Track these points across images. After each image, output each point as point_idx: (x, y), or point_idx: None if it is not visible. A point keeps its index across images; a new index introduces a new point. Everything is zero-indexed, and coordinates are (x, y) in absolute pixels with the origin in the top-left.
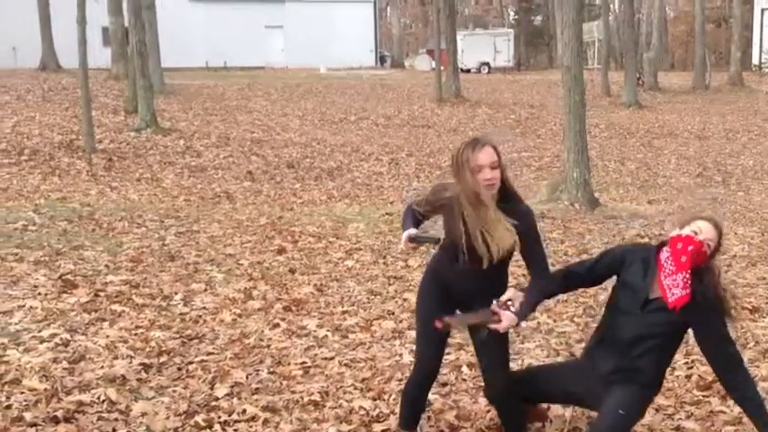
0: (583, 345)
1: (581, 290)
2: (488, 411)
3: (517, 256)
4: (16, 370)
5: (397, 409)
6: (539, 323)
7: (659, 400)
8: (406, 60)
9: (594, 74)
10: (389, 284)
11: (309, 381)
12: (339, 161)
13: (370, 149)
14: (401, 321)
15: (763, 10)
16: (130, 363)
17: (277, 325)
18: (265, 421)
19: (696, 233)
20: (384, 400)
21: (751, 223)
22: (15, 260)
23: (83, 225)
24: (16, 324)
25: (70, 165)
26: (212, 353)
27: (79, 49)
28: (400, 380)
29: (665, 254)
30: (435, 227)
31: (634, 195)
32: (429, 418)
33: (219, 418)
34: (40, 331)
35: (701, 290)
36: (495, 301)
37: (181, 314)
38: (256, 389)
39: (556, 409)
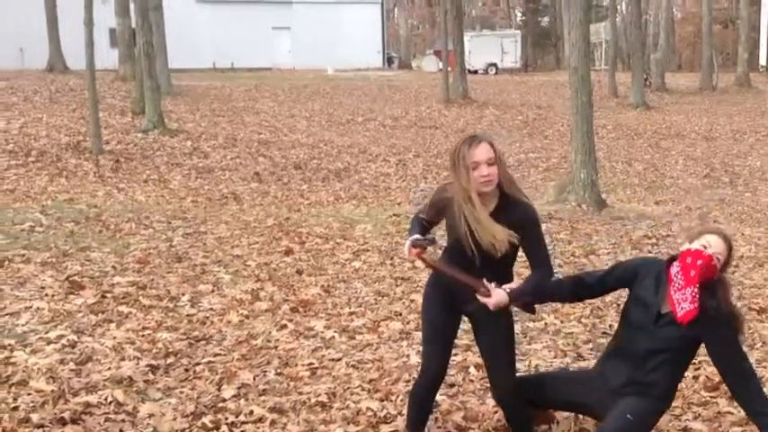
0: (590, 346)
1: None
2: (496, 412)
3: (523, 257)
4: (23, 371)
5: (405, 410)
6: (546, 324)
7: None
8: (413, 61)
9: (602, 75)
10: (397, 285)
11: (317, 382)
12: (346, 162)
13: (377, 150)
14: (408, 322)
15: None
16: (137, 364)
17: (284, 326)
18: (272, 422)
19: (705, 247)
20: (391, 401)
21: (758, 224)
22: (22, 261)
23: (90, 226)
24: (23, 325)
25: (77, 166)
26: (219, 354)
27: (86, 51)
28: (407, 381)
29: (675, 268)
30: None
31: (641, 196)
32: (436, 419)
33: (227, 419)
34: (46, 332)
35: (713, 304)
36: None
37: (188, 315)
38: (263, 390)
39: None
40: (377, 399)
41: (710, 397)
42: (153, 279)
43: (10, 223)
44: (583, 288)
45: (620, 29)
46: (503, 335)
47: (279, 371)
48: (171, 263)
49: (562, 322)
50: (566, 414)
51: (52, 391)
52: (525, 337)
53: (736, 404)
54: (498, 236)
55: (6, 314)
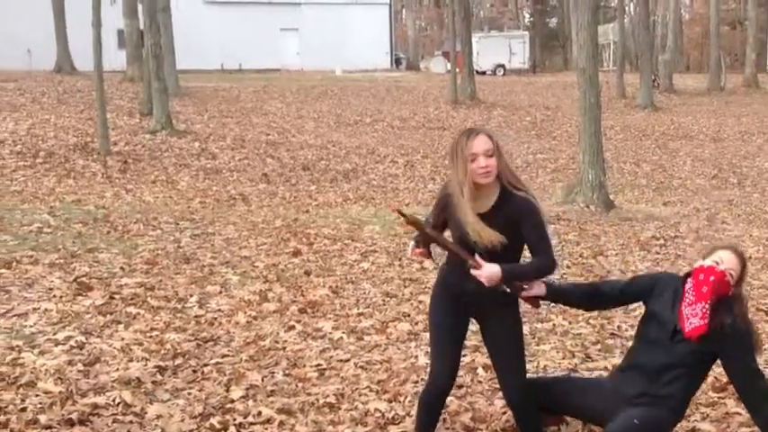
0: (598, 347)
1: None
2: (504, 413)
3: (528, 254)
4: (31, 372)
5: (413, 411)
6: (554, 325)
7: None
8: (421, 62)
9: (610, 76)
10: (405, 287)
11: (325, 383)
12: (354, 163)
13: (385, 151)
14: (417, 323)
15: None
16: (145, 365)
17: (292, 327)
18: (281, 423)
19: (718, 263)
20: (400, 402)
21: (766, 225)
22: (30, 262)
23: (98, 227)
24: (31, 327)
25: (85, 167)
26: (227, 355)
27: (94, 52)
28: (416, 382)
29: (689, 284)
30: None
31: (649, 197)
32: (444, 420)
33: (235, 420)
34: (54, 334)
35: (728, 320)
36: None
37: (196, 316)
38: (272, 391)
39: None
40: (385, 400)
41: (719, 398)
42: (161, 280)
43: (18, 224)
44: (599, 297)
45: (628, 30)
46: (511, 336)
47: (287, 372)
48: (179, 264)
49: (570, 323)
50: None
51: (60, 392)
52: (533, 338)
53: (743, 405)
54: (484, 236)
55: (14, 315)
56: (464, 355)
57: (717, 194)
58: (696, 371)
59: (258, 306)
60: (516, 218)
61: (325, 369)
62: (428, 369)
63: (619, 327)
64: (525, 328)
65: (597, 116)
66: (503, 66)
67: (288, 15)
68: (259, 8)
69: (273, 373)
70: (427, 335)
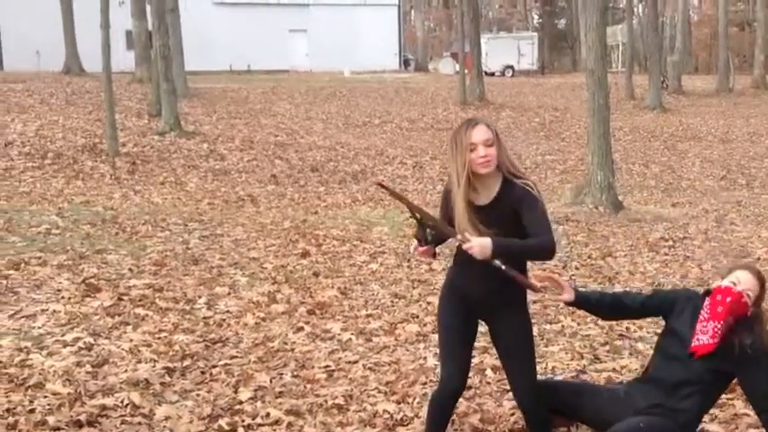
0: (607, 348)
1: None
2: (512, 415)
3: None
4: (39, 374)
5: (421, 413)
6: (563, 326)
7: None
8: (430, 64)
9: (618, 77)
10: (413, 288)
11: (333, 384)
12: (363, 164)
13: (394, 153)
14: (425, 325)
15: None
16: (154, 366)
17: (301, 328)
18: (289, 425)
19: (735, 284)
20: (408, 403)
21: None
22: (39, 264)
23: (106, 229)
24: (40, 328)
25: (93, 168)
26: (236, 356)
27: (103, 53)
28: (424, 383)
29: (706, 301)
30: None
31: (658, 198)
32: (453, 421)
33: (243, 421)
34: (63, 335)
35: (747, 341)
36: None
37: (204, 318)
38: (280, 392)
39: None
40: (393, 401)
41: (727, 399)
42: (169, 281)
43: (26, 225)
44: (620, 308)
45: (637, 31)
46: (520, 336)
47: (295, 373)
48: (187, 265)
49: (579, 325)
50: None
51: (69, 393)
52: (542, 339)
53: (762, 426)
54: (462, 226)
55: (23, 317)
56: (473, 357)
57: (725, 196)
58: (712, 388)
59: (267, 307)
60: (517, 204)
61: (333, 370)
62: (437, 371)
63: (627, 328)
64: (534, 330)
65: (606, 117)
66: (511, 67)
67: (296, 16)
68: (268, 9)
69: (282, 374)
70: (436, 336)
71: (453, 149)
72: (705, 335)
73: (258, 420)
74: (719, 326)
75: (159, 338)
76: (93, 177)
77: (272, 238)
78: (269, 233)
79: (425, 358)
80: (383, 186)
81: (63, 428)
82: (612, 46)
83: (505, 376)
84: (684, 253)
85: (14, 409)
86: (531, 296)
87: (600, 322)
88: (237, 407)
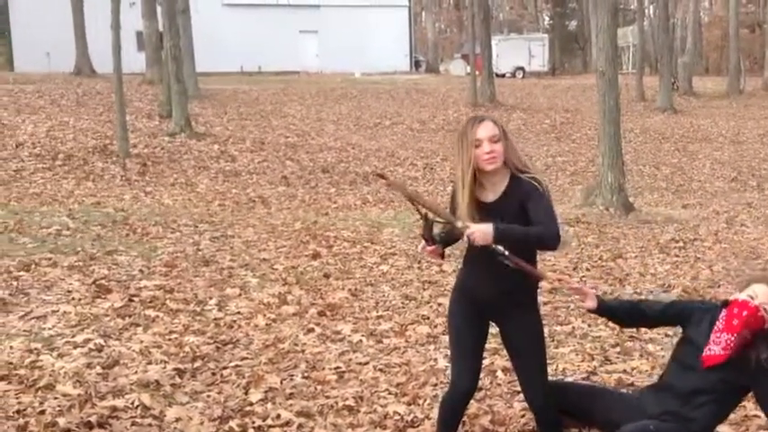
0: (617, 349)
1: (616, 294)
2: (523, 416)
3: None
4: (50, 375)
5: (432, 414)
6: (573, 328)
7: None
8: (440, 65)
9: (629, 78)
10: (424, 289)
11: (344, 386)
12: (374, 166)
13: (404, 154)
14: (436, 326)
15: None
16: (164, 368)
17: (311, 330)
18: (300, 426)
19: (752, 297)
20: (419, 404)
21: None
22: (49, 265)
23: (117, 230)
24: (50, 329)
25: (104, 169)
26: (246, 358)
27: (113, 54)
28: (435, 385)
29: (723, 313)
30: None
31: (669, 200)
32: (464, 422)
33: (254, 423)
34: (73, 336)
35: (765, 355)
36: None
37: (215, 319)
38: (291, 394)
39: None
40: (404, 402)
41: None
42: (180, 283)
43: (37, 227)
44: (639, 317)
45: (648, 33)
46: (531, 337)
47: (306, 374)
48: (198, 266)
49: (589, 326)
50: None
51: (79, 395)
52: (552, 340)
53: None
54: (465, 226)
55: (33, 318)
56: (484, 358)
57: (736, 197)
58: (726, 399)
59: (277, 309)
60: (524, 201)
61: (344, 372)
62: (448, 372)
63: (638, 330)
64: (544, 331)
65: (617, 119)
66: (522, 68)
67: (307, 18)
68: (278, 10)
69: (292, 375)
70: (446, 337)
71: (459, 146)
72: (718, 346)
73: (269, 422)
74: (733, 338)
75: (170, 340)
76: (104, 178)
77: (282, 240)
78: (280, 234)
79: (436, 359)
80: (382, 177)
81: (73, 430)
82: (623, 47)
83: (516, 377)
84: (695, 254)
85: (25, 410)
86: (541, 297)
87: (610, 324)
88: (248, 408)
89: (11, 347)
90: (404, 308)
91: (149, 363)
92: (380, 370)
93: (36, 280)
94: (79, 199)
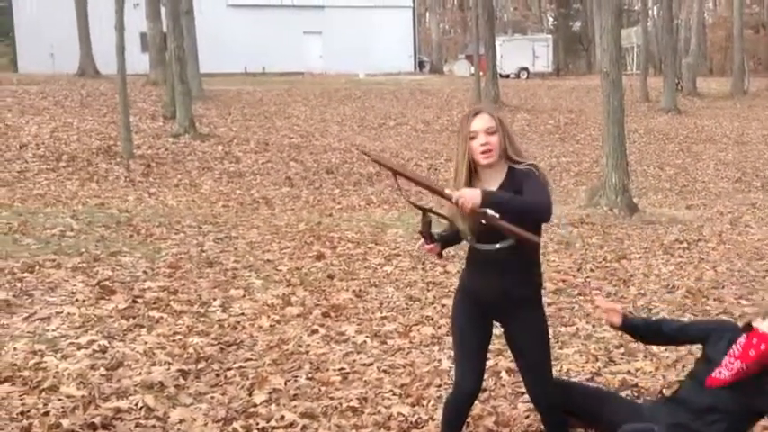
0: (622, 350)
1: (619, 295)
2: (527, 417)
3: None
4: (54, 377)
5: (436, 415)
6: (577, 329)
7: None
8: (444, 66)
9: (633, 79)
10: (428, 290)
11: (348, 387)
12: (378, 167)
13: (409, 155)
14: (440, 327)
15: None
16: (168, 369)
17: (315, 331)
18: (304, 427)
19: None
20: (423, 405)
21: None
22: (53, 266)
23: (121, 231)
24: (54, 330)
25: (108, 170)
26: (250, 359)
27: (117, 55)
28: (439, 386)
29: (742, 338)
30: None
31: (673, 201)
32: (468, 423)
33: (258, 424)
34: (77, 338)
35: None
36: None
37: (219, 320)
38: (295, 395)
39: None
40: (408, 404)
41: None
42: (184, 284)
43: (41, 228)
44: (659, 335)
45: (652, 33)
46: (535, 336)
47: (310, 376)
48: (202, 268)
49: (593, 327)
50: None
51: (83, 396)
52: (557, 341)
53: None
54: (459, 219)
55: (37, 319)
56: (487, 359)
57: (740, 198)
58: (740, 419)
59: (281, 310)
60: (520, 187)
61: (348, 373)
62: (452, 373)
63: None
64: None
65: (621, 119)
66: (526, 69)
67: (311, 18)
68: (282, 11)
69: (296, 377)
70: (450, 338)
71: (457, 139)
72: (729, 371)
73: (273, 423)
74: (744, 367)
75: (174, 341)
76: (108, 180)
77: (286, 241)
78: (284, 236)
79: (440, 360)
80: (366, 154)
81: (77, 431)
82: (627, 48)
83: (521, 378)
84: (699, 255)
85: (28, 411)
86: (546, 298)
87: None
88: (252, 410)
89: (15, 349)
90: (408, 309)
91: (153, 364)
92: (384, 371)
93: (40, 281)
94: (83, 200)
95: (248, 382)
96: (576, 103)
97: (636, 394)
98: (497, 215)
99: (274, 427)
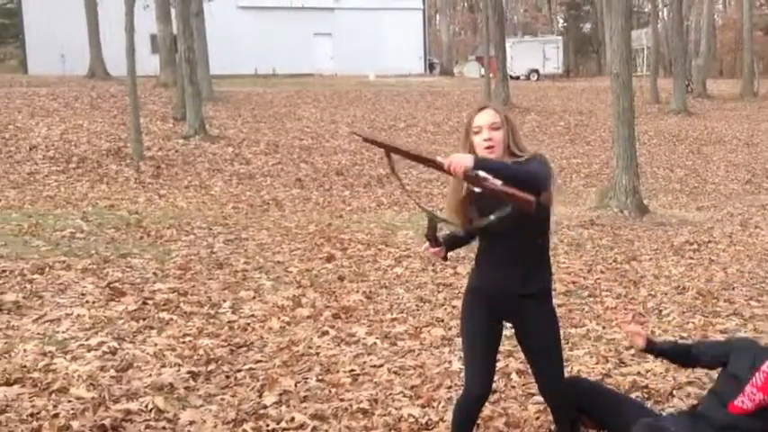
0: (632, 352)
1: (629, 297)
2: (537, 418)
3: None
4: (64, 378)
5: (446, 417)
6: (587, 330)
7: None
8: (455, 67)
9: (643, 81)
10: (438, 292)
11: (358, 388)
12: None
13: None
14: (450, 329)
15: None
16: (178, 371)
17: (326, 332)
18: (314, 429)
19: None
20: (433, 407)
21: None
22: (63, 268)
23: (131, 233)
24: (64, 332)
25: (118, 172)
26: (261, 361)
27: (127, 57)
28: (449, 387)
29: (766, 366)
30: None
31: (683, 202)
32: (478, 425)
33: (268, 426)
34: (87, 339)
35: None
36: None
37: (229, 322)
38: (305, 397)
39: None
40: (418, 405)
41: None
42: (194, 285)
43: (51, 229)
44: (685, 359)
45: (662, 35)
46: (546, 333)
47: (320, 377)
48: (212, 269)
49: (604, 328)
50: None
51: (93, 398)
52: (567, 343)
53: None
54: (458, 217)
55: (47, 321)
56: (498, 360)
57: (750, 199)
58: None
59: (291, 311)
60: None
61: (358, 374)
62: (462, 375)
63: (652, 332)
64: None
65: (631, 121)
66: (536, 71)
67: (321, 20)
68: (293, 13)
69: (307, 378)
70: (460, 340)
71: (463, 135)
72: (751, 402)
73: (283, 425)
74: (766, 400)
75: (184, 343)
76: (118, 181)
77: (296, 242)
78: (294, 237)
79: (450, 362)
80: (357, 134)
81: None
82: (637, 50)
83: (532, 377)
84: (709, 257)
85: (38, 413)
86: (556, 300)
87: None
88: (262, 411)
89: (25, 350)
90: (418, 310)
91: (163, 366)
92: (395, 372)
93: (50, 283)
94: (93, 202)
95: (258, 384)
96: (587, 105)
97: (646, 396)
98: (489, 176)
99: (284, 429)
